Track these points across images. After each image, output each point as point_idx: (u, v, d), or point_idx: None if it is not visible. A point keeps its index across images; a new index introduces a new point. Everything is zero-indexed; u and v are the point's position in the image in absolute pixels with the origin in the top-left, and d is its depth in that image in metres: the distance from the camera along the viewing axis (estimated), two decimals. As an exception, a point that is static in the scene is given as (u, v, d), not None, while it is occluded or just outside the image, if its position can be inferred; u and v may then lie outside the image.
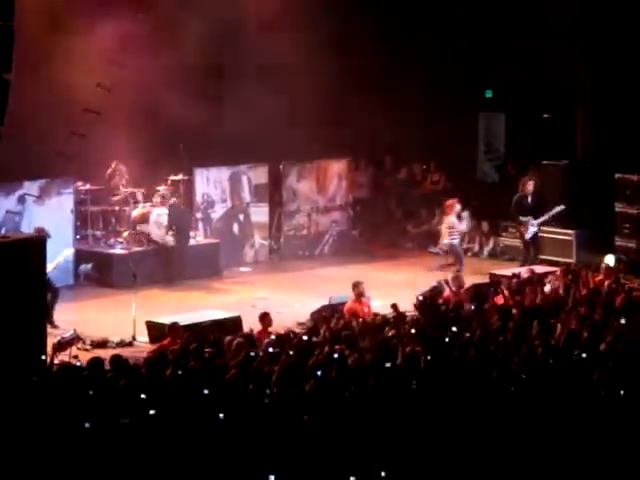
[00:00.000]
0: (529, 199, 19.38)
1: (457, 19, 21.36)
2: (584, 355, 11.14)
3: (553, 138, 21.22)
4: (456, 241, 19.04)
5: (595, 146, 20.76)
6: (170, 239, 18.87)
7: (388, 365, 10.74)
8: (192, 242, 19.25)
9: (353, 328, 12.87)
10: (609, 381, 10.24)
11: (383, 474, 8.58)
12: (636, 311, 13.39)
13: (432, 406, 9.77)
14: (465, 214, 19.22)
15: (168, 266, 18.54)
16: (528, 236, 19.33)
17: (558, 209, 19.21)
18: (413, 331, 12.56)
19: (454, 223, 18.95)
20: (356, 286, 15.15)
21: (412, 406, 9.75)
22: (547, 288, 15.32)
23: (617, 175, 19.47)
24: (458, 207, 19.09)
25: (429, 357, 11.26)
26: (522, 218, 19.35)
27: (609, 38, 19.98)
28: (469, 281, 16.14)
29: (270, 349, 11.88)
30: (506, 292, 14.76)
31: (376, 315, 13.91)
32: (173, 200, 19.06)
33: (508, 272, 16.92)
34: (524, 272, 16.22)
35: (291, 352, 11.56)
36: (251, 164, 20.44)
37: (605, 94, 20.41)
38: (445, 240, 19.07)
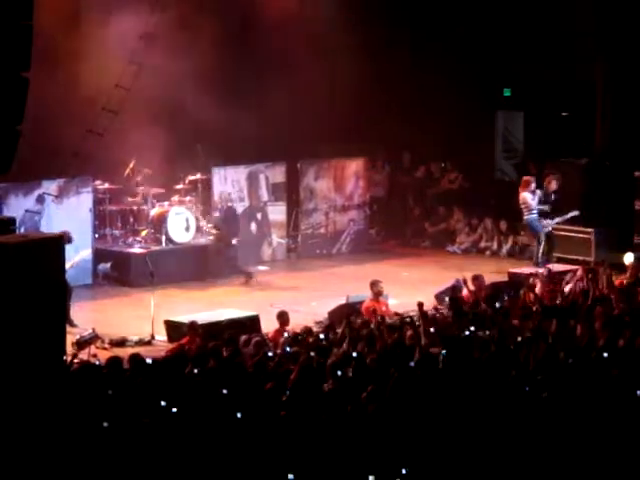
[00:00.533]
0: (552, 197, 19.25)
1: (476, 17, 21.31)
2: (604, 355, 11.09)
3: (572, 136, 21.15)
4: (531, 217, 18.73)
5: (614, 144, 20.67)
6: (190, 237, 18.94)
7: (409, 364, 10.72)
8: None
9: (371, 327, 12.84)
10: (628, 380, 10.20)
11: (404, 471, 8.56)
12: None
13: (451, 405, 9.75)
14: (538, 191, 18.93)
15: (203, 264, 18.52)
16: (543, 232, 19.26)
17: (572, 214, 19.09)
18: (432, 330, 12.53)
19: (526, 199, 18.71)
20: (374, 285, 15.14)
21: (431, 405, 9.74)
22: (567, 288, 15.27)
23: (637, 173, 19.39)
24: (533, 184, 18.82)
25: (447, 356, 11.24)
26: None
27: (628, 36, 19.89)
28: (488, 280, 16.07)
29: (287, 348, 11.88)
30: (538, 288, 14.68)
31: (396, 314, 13.89)
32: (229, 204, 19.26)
33: (528, 271, 16.87)
34: (543, 272, 16.16)
35: (309, 351, 11.56)
36: (269, 163, 20.46)
37: (624, 92, 20.32)
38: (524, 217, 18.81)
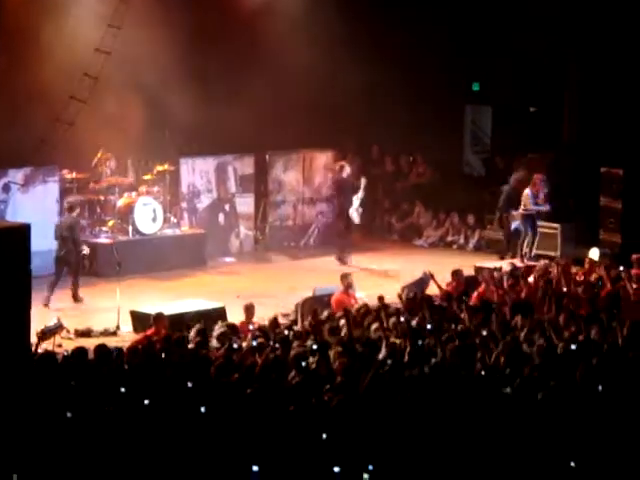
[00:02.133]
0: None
1: (445, 12, 21.34)
2: (571, 348, 11.15)
3: (539, 131, 21.25)
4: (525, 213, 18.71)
5: (581, 139, 20.80)
6: (157, 228, 18.89)
7: (376, 358, 10.75)
8: (177, 232, 19.23)
9: (337, 320, 12.85)
10: (591, 375, 10.27)
11: (370, 467, 8.58)
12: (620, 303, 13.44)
13: (416, 398, 9.78)
14: (542, 193, 18.94)
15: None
16: (513, 227, 19.38)
17: (542, 208, 19.15)
18: (397, 322, 12.55)
19: (525, 196, 18.70)
20: (345, 277, 15.14)
21: (396, 399, 9.76)
22: (530, 280, 15.37)
23: (602, 169, 19.51)
24: (538, 184, 18.80)
25: (413, 349, 11.27)
26: (513, 211, 19.42)
27: (596, 32, 20.00)
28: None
29: (254, 340, 11.87)
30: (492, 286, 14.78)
31: (363, 306, 13.91)
32: None
33: (492, 265, 16.96)
34: (506, 266, 16.25)
35: (275, 343, 11.56)
36: (237, 154, 20.42)
37: (591, 88, 20.44)
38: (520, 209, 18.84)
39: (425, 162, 22.21)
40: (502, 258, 19.04)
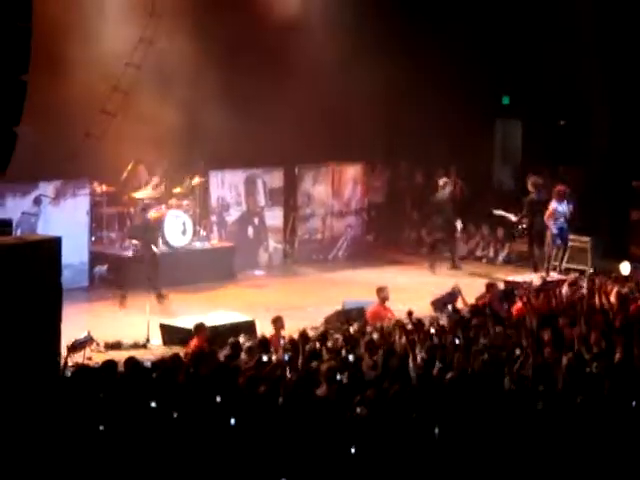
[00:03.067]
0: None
1: (476, 26, 21.33)
2: (597, 365, 11.07)
3: (569, 145, 21.18)
4: (554, 227, 18.64)
5: (611, 153, 20.71)
6: (187, 241, 18.93)
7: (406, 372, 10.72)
8: (207, 245, 19.27)
9: (369, 333, 12.83)
10: (621, 392, 10.19)
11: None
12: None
13: (445, 414, 9.75)
14: (564, 203, 18.84)
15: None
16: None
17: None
18: (428, 337, 12.53)
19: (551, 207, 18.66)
20: (381, 290, 15.11)
21: (425, 413, 9.73)
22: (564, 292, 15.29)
23: (634, 182, 19.42)
24: (563, 194, 18.75)
25: (442, 365, 11.24)
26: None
27: (624, 45, 19.93)
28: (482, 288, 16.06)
29: (284, 353, 11.87)
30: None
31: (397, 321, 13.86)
32: None
33: (522, 279, 16.89)
34: (536, 280, 16.17)
35: (304, 356, 11.56)
36: (266, 167, 20.46)
37: (621, 101, 20.36)
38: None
39: (458, 176, 22.13)
40: (536, 271, 18.94)
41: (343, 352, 11.92)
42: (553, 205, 18.68)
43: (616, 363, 11.22)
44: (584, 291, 15.05)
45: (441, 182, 20.22)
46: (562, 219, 18.65)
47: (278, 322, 13.81)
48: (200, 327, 13.67)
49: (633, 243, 19.32)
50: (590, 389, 10.21)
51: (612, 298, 14.69)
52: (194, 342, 13.37)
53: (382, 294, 15.03)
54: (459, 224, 20.20)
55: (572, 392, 10.16)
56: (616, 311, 13.98)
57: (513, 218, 19.69)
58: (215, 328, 14.41)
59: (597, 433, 9.42)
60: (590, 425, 9.53)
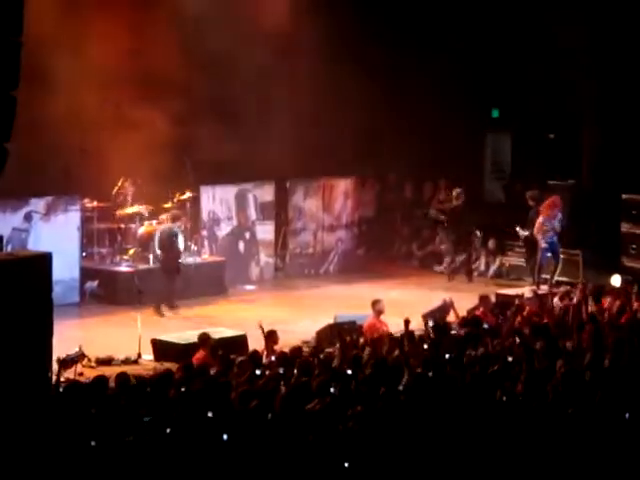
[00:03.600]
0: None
1: (465, 39, 21.40)
2: (590, 375, 11.08)
3: (559, 158, 21.24)
4: (543, 241, 18.65)
5: (601, 166, 20.77)
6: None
7: (397, 386, 10.70)
8: (198, 260, 19.26)
9: (359, 348, 12.82)
10: (612, 401, 10.19)
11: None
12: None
13: (436, 426, 9.74)
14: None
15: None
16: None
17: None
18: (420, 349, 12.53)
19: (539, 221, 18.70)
20: (376, 303, 15.09)
21: (418, 425, 9.72)
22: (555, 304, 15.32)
23: (623, 195, 19.46)
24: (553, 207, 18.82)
25: (434, 376, 11.23)
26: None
27: (615, 59, 20.01)
28: (475, 300, 16.07)
29: (276, 367, 11.85)
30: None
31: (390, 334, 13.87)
32: None
33: (515, 292, 16.91)
34: (528, 293, 16.19)
35: (297, 370, 11.54)
36: (257, 182, 20.46)
37: (611, 114, 20.43)
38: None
39: (448, 189, 22.15)
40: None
41: (335, 366, 11.89)
42: (541, 219, 18.70)
43: (605, 371, 11.22)
44: (575, 302, 15.09)
45: (455, 193, 20.26)
46: (551, 233, 18.66)
47: (272, 336, 13.79)
48: (205, 338, 13.69)
49: (624, 255, 19.34)
50: (582, 399, 10.20)
51: (604, 308, 14.73)
52: (199, 353, 13.35)
53: (377, 307, 15.03)
54: (478, 233, 20.29)
55: (564, 403, 10.16)
56: (607, 322, 14.00)
57: (441, 217, 20.22)
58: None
59: (589, 443, 9.42)
60: (582, 435, 9.53)
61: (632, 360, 11.89)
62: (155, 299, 17.50)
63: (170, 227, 18.26)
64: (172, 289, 17.90)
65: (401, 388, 10.77)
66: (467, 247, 20.36)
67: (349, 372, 11.30)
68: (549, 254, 18.71)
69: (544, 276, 18.75)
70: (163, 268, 18.01)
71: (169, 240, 18.01)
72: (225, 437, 9.36)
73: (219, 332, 15.31)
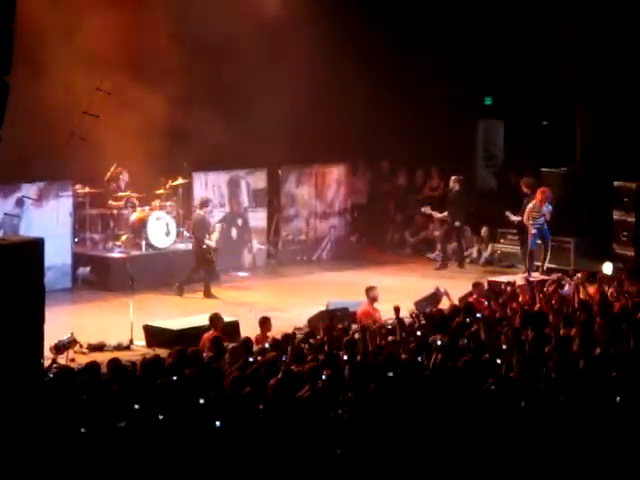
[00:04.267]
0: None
1: (457, 26, 21.37)
2: (581, 362, 11.11)
3: (552, 146, 21.24)
4: (532, 228, 18.75)
5: (593, 154, 20.77)
6: (170, 242, 18.94)
7: (387, 374, 10.72)
8: (190, 246, 19.25)
9: (352, 334, 12.83)
10: (604, 388, 10.22)
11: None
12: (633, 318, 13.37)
13: (431, 413, 9.76)
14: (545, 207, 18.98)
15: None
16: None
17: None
18: (413, 337, 12.54)
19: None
20: (370, 290, 15.11)
21: (411, 413, 9.74)
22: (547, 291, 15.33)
23: (616, 183, 19.47)
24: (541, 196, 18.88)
25: (425, 364, 11.25)
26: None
27: (607, 45, 20.00)
28: (467, 287, 16.09)
29: (268, 354, 11.86)
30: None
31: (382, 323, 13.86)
32: None
33: (506, 279, 16.93)
34: (519, 280, 16.22)
35: (289, 357, 11.55)
36: (250, 169, 20.45)
37: (603, 102, 20.43)
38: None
39: (439, 176, 22.17)
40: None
41: (326, 352, 11.90)
42: (531, 205, 18.73)
43: (596, 358, 11.25)
44: (567, 290, 15.11)
45: (452, 180, 20.26)
46: (541, 219, 18.74)
47: (265, 323, 13.81)
48: (215, 318, 13.72)
49: (616, 243, 19.36)
50: (574, 386, 10.23)
51: (595, 296, 14.75)
52: (210, 333, 13.39)
53: (371, 294, 15.04)
54: (457, 223, 20.38)
55: (556, 390, 10.19)
56: (599, 309, 14.02)
57: (439, 215, 20.18)
58: (198, 329, 14.39)
59: (581, 429, 9.45)
60: (574, 422, 9.56)
61: (623, 348, 11.92)
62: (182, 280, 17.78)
63: (197, 214, 18.55)
64: (190, 275, 18.00)
65: (391, 374, 10.78)
66: (458, 234, 20.37)
67: (345, 357, 11.30)
68: (539, 241, 18.75)
69: (536, 263, 18.78)
70: (194, 256, 18.15)
71: (195, 227, 18.27)
72: (218, 424, 9.36)
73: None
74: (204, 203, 18.70)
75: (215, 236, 18.63)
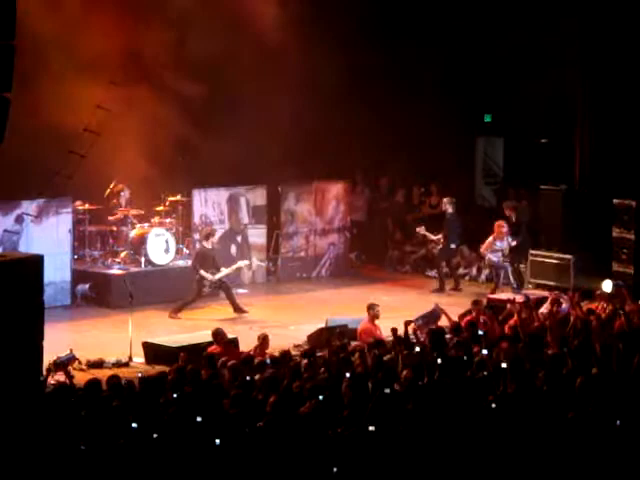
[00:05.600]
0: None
1: (457, 43, 21.42)
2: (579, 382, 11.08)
3: (551, 163, 21.26)
4: (495, 258, 19.26)
5: (593, 171, 20.78)
6: (169, 259, 18.95)
7: (387, 391, 10.71)
8: (190, 263, 19.24)
9: (348, 352, 12.83)
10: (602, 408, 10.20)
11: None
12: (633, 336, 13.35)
13: (430, 431, 9.75)
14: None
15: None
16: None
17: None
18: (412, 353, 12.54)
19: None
20: (371, 308, 15.13)
21: (410, 430, 9.73)
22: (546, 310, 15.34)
23: (615, 200, 19.48)
24: (505, 229, 19.43)
25: (426, 381, 11.24)
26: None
27: (608, 63, 20.03)
28: (467, 306, 16.07)
29: (267, 371, 11.85)
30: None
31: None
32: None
33: (506, 297, 16.92)
34: (519, 298, 16.22)
35: (287, 374, 11.55)
36: (250, 186, 20.47)
37: (603, 119, 20.45)
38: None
39: (439, 194, 22.17)
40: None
41: (326, 370, 11.89)
42: (491, 238, 19.28)
43: (594, 378, 11.24)
44: (564, 308, 15.11)
45: (444, 202, 20.30)
46: (499, 254, 19.27)
47: (264, 340, 13.80)
48: (217, 334, 13.77)
49: (615, 260, 19.36)
50: (570, 406, 10.22)
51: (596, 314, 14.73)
52: (213, 348, 13.45)
53: (373, 311, 15.05)
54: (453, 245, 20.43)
55: (556, 409, 10.18)
56: (598, 328, 14.00)
57: (433, 237, 20.21)
58: (198, 346, 14.38)
59: (582, 450, 9.43)
60: (572, 440, 9.55)
61: (621, 367, 11.90)
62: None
63: (200, 245, 18.59)
64: (188, 301, 17.91)
65: (388, 391, 10.77)
66: (452, 257, 20.37)
67: (332, 377, 11.29)
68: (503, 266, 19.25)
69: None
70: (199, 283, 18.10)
71: (202, 259, 18.19)
72: (217, 442, 9.35)
73: (209, 336, 15.28)
74: (209, 235, 18.56)
75: (225, 270, 18.41)
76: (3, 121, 10.80)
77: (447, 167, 21.46)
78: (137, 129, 18.44)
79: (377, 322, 15.13)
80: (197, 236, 19.21)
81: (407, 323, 13.37)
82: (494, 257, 19.40)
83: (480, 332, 13.63)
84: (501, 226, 19.47)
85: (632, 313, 14.71)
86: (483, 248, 19.57)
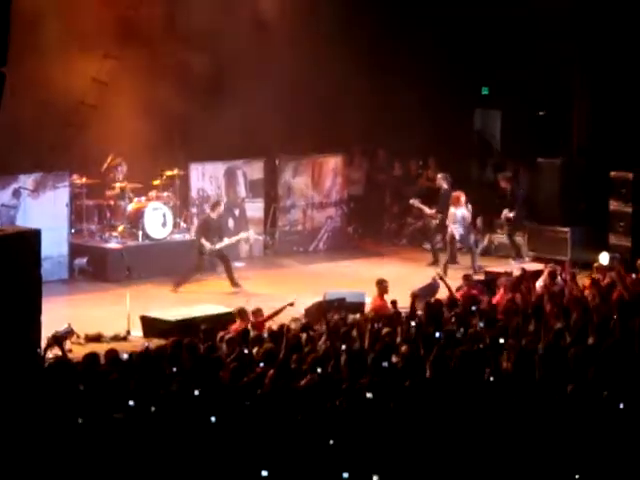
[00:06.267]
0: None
1: (454, 17, 21.34)
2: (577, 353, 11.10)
3: (549, 135, 21.23)
4: (457, 232, 19.15)
5: (590, 144, 20.76)
6: (167, 233, 18.95)
7: (385, 364, 10.73)
8: (187, 237, 19.25)
9: (349, 324, 12.85)
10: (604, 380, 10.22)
11: (375, 478, 8.57)
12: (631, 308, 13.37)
13: (428, 404, 9.77)
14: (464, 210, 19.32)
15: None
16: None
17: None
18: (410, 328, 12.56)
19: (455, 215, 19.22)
20: (380, 283, 15.07)
21: (408, 404, 9.75)
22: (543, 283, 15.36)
23: (612, 173, 19.47)
24: (463, 199, 19.33)
25: (424, 355, 11.26)
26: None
27: (604, 36, 19.97)
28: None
29: (265, 345, 11.88)
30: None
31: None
32: None
33: (503, 269, 16.94)
34: (516, 270, 16.25)
35: (285, 348, 11.57)
36: (247, 159, 20.44)
37: (600, 92, 20.41)
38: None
39: (436, 167, 22.13)
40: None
41: (324, 343, 11.92)
42: (452, 209, 19.22)
43: (590, 347, 11.26)
44: (561, 281, 15.13)
45: (439, 178, 20.27)
46: (460, 223, 19.19)
47: (258, 314, 13.83)
48: (243, 311, 13.81)
49: (612, 233, 19.37)
50: (571, 378, 10.24)
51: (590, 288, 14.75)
52: (237, 324, 13.46)
53: (382, 286, 15.01)
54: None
55: (552, 382, 10.20)
56: (595, 300, 14.02)
57: (428, 211, 20.13)
58: (194, 320, 14.40)
59: (578, 424, 9.46)
60: (572, 416, 9.57)
61: (620, 338, 11.92)
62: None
63: (204, 215, 18.59)
64: (189, 274, 17.86)
65: (386, 365, 10.79)
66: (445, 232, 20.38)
67: (331, 350, 11.31)
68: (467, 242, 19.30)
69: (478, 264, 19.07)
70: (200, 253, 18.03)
71: (204, 228, 18.12)
72: (214, 417, 9.37)
73: (208, 309, 15.33)
74: (215, 205, 18.54)
75: (227, 240, 18.38)
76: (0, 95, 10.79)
77: (444, 140, 21.41)
78: (134, 102, 18.39)
79: (366, 296, 15.14)
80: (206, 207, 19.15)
81: (414, 295, 13.33)
82: (457, 229, 19.22)
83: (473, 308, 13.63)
84: (460, 196, 19.34)
85: (631, 284, 14.72)
86: (449, 219, 19.43)
